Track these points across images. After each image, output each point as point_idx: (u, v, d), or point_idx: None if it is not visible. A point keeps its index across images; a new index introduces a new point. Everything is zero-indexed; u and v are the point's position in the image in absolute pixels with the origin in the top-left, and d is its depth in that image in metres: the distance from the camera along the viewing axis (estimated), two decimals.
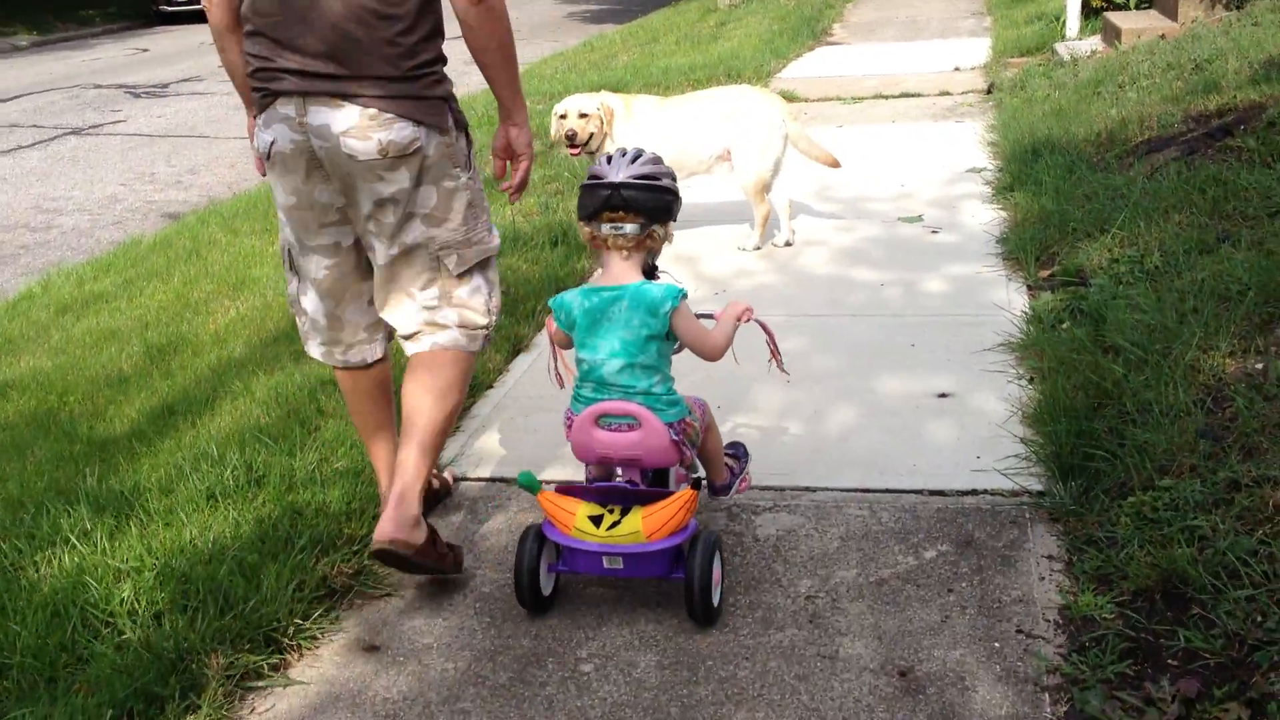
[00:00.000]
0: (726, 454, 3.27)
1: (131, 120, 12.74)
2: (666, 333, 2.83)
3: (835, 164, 5.87)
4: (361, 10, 2.75)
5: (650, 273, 2.93)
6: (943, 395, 4.01)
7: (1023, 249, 5.18)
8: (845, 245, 5.75)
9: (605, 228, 2.84)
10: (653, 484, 3.03)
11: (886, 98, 9.53)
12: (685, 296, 2.86)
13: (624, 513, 2.80)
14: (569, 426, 2.92)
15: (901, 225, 5.97)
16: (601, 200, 2.82)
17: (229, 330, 5.10)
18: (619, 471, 2.96)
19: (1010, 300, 4.77)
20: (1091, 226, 5.08)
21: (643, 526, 2.76)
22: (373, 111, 2.79)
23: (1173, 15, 9.13)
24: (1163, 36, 8.69)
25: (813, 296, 5.10)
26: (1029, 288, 4.90)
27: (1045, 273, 4.98)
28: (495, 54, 2.90)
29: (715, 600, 2.85)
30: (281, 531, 3.16)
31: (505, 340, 4.64)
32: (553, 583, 2.97)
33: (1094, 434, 3.38)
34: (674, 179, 2.92)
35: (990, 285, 4.99)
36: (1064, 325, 4.30)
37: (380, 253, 2.96)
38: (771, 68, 11.14)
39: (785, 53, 12.02)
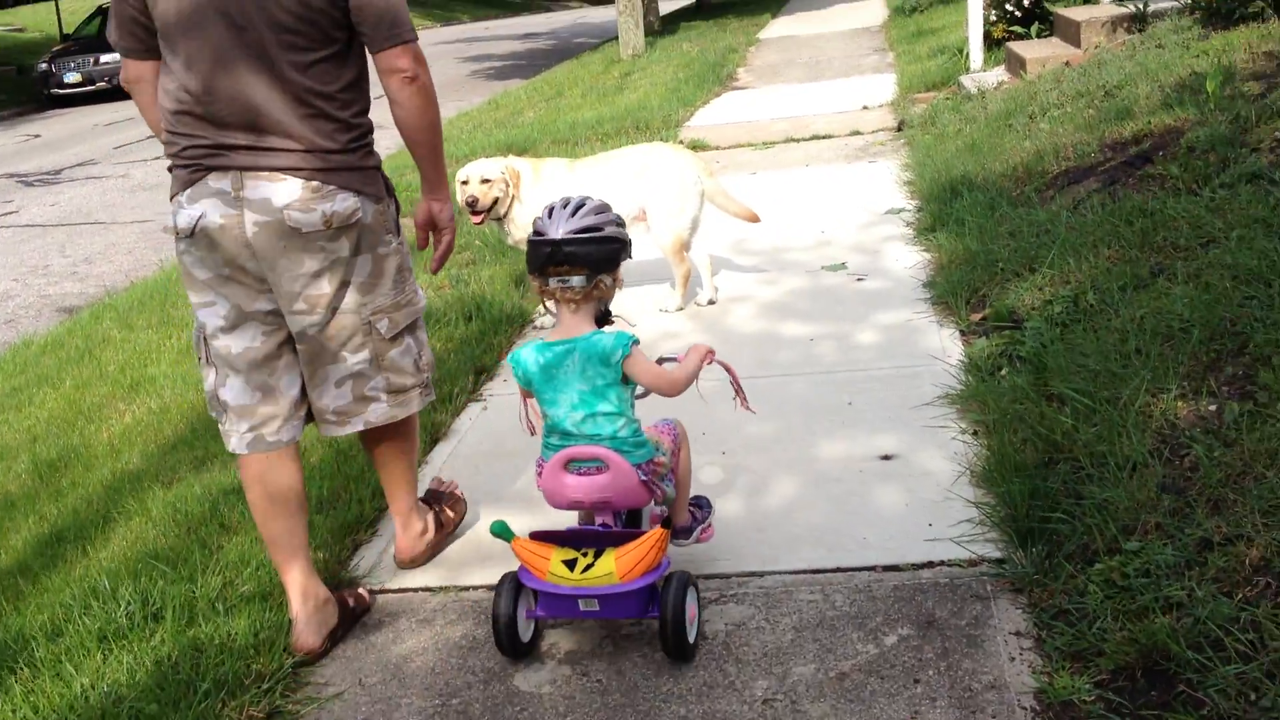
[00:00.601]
0: (690, 505, 3.28)
1: (24, 211, 12.32)
2: (624, 377, 2.87)
3: (754, 219, 5.70)
4: (294, 89, 2.84)
5: (603, 319, 2.94)
6: (886, 457, 3.81)
7: (952, 292, 5.04)
8: (771, 299, 5.57)
9: (552, 282, 2.86)
10: (628, 524, 3.07)
11: (798, 141, 9.44)
12: (637, 343, 2.88)
13: (597, 555, 2.82)
14: (540, 474, 2.96)
15: (826, 274, 5.81)
16: (545, 256, 2.83)
17: (124, 439, 4.78)
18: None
19: (945, 348, 4.61)
20: (1019, 265, 4.95)
21: (616, 568, 2.79)
22: (315, 184, 2.88)
23: (1075, 42, 9.15)
24: (1067, 64, 8.68)
25: (742, 357, 4.88)
26: (962, 333, 4.74)
27: (977, 316, 4.83)
28: (424, 132, 3.03)
29: (691, 637, 2.86)
30: (182, 674, 2.86)
31: (422, 430, 4.36)
32: (531, 629, 2.99)
33: (1049, 493, 3.20)
34: (620, 224, 2.92)
35: (923, 333, 4.83)
36: (1003, 372, 4.14)
37: (311, 325, 3.00)
38: (679, 116, 11.02)
39: (692, 100, 11.92)
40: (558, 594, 2.84)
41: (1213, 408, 3.29)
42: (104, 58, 23.75)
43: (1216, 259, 4.03)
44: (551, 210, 2.87)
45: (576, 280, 2.83)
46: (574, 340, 2.87)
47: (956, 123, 8.30)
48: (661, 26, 21.18)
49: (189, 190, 2.91)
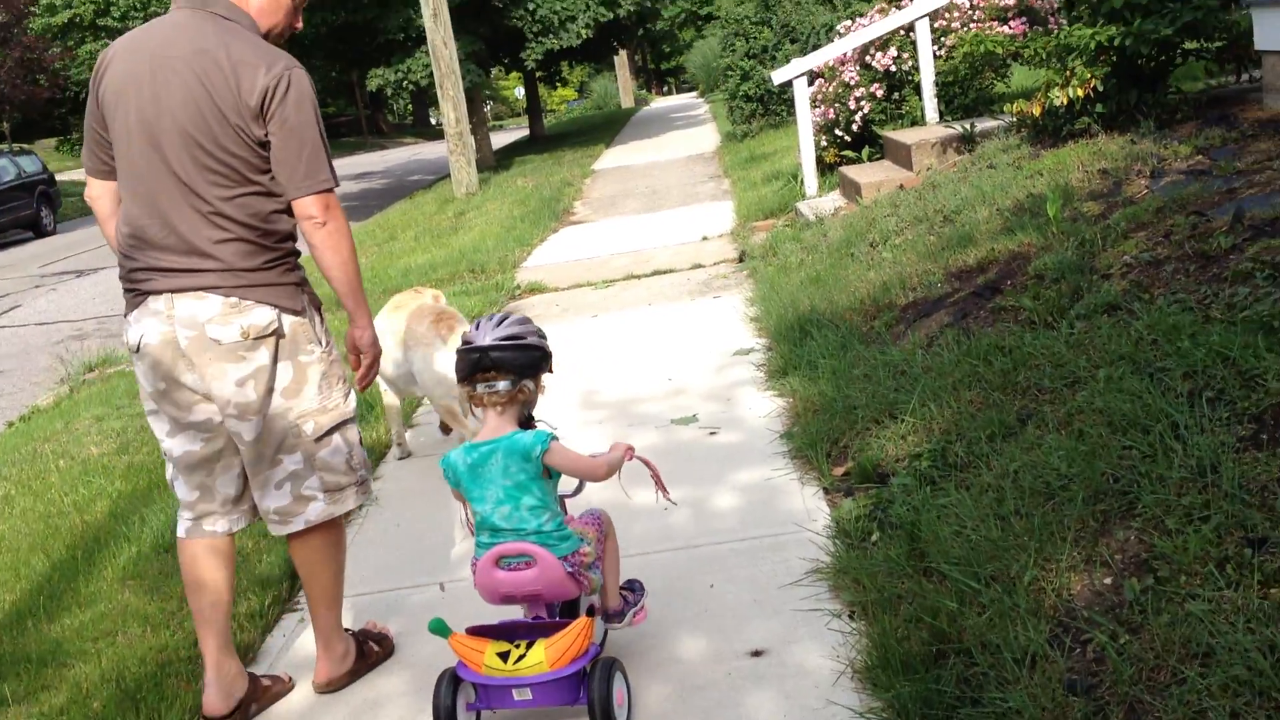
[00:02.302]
0: (622, 589, 3.42)
1: None
2: (546, 472, 3.05)
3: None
4: (217, 219, 3.16)
5: (527, 423, 3.16)
6: (757, 653, 3.40)
7: (810, 444, 4.71)
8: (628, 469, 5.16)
9: (479, 387, 3.08)
10: (564, 616, 3.23)
11: (639, 277, 9.17)
12: (556, 438, 3.08)
13: (529, 646, 3.01)
14: (474, 572, 3.12)
15: (677, 428, 5.45)
16: (473, 363, 3.06)
17: None
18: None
19: (809, 510, 4.26)
20: (878, 412, 4.66)
21: (545, 656, 2.97)
22: (233, 300, 3.19)
23: (907, 165, 9.15)
24: (901, 187, 8.65)
25: None
26: (826, 491, 4.41)
27: (840, 470, 4.51)
28: (339, 269, 3.26)
29: (621, 718, 3.04)
30: None
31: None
32: None
33: (944, 698, 2.82)
34: (541, 336, 3.16)
35: (783, 493, 4.47)
36: (874, 539, 3.80)
37: (246, 431, 3.28)
38: (516, 257, 10.71)
39: (529, 239, 11.64)
40: (493, 685, 3.00)
41: (1108, 581, 2.97)
42: None
43: (1086, 402, 3.78)
44: (479, 323, 3.11)
45: (502, 385, 3.06)
46: (498, 440, 3.06)
47: (798, 252, 8.13)
48: (496, 161, 21.08)
49: (134, 312, 3.27)
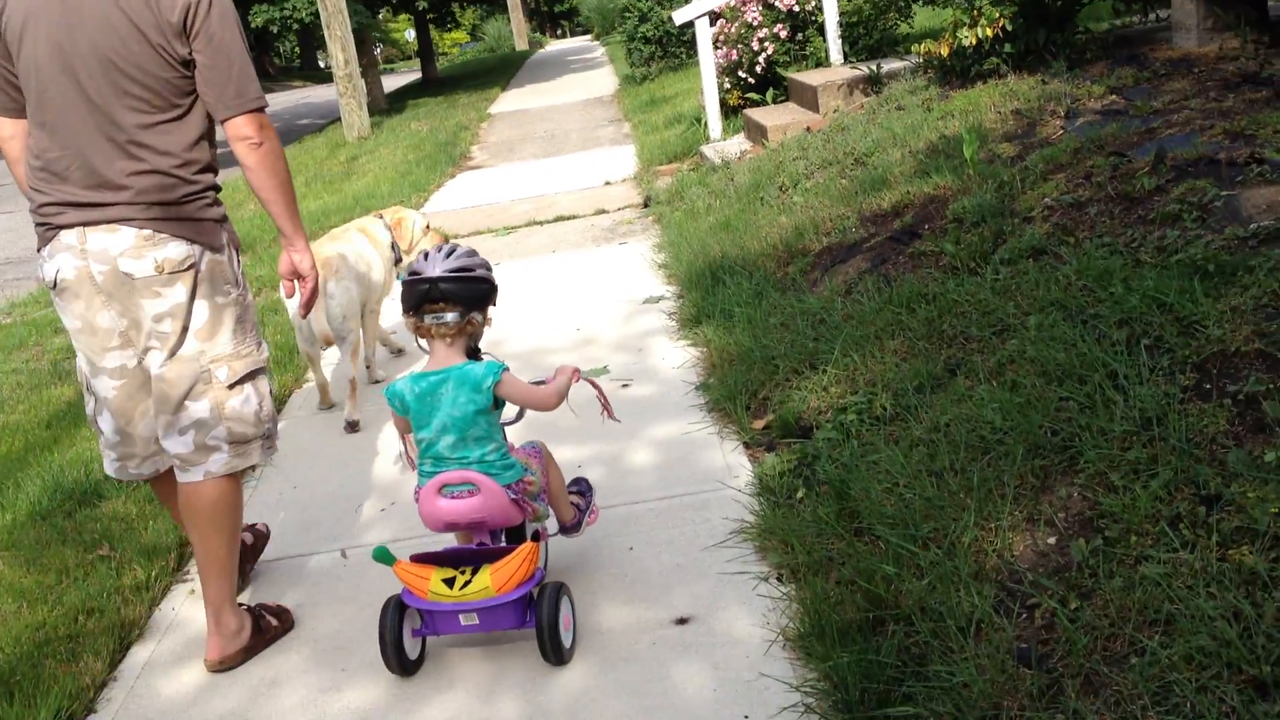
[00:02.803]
0: (571, 491, 3.50)
1: None
2: (494, 404, 3.04)
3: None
4: (134, 149, 3.03)
5: (474, 354, 3.13)
6: (682, 620, 3.22)
7: (729, 397, 4.53)
8: (532, 417, 4.92)
9: (427, 318, 3.04)
10: (509, 540, 3.24)
11: (541, 223, 8.88)
12: (507, 369, 3.06)
13: (474, 572, 3.01)
14: (418, 500, 3.10)
15: (581, 389, 5.20)
16: (421, 294, 3.02)
17: None
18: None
19: (730, 466, 4.08)
20: (798, 362, 4.49)
21: (491, 581, 2.97)
22: (147, 233, 3.06)
23: (813, 107, 8.97)
24: (809, 129, 8.47)
25: None
26: (746, 446, 4.23)
27: (760, 423, 4.33)
28: (274, 191, 3.17)
29: (567, 642, 3.08)
30: None
31: (118, 626, 3.51)
32: (419, 647, 3.18)
33: (884, 670, 2.66)
34: (488, 269, 3.12)
35: (702, 448, 4.29)
36: (799, 497, 3.63)
37: (155, 365, 3.16)
38: (412, 204, 10.32)
39: (425, 184, 11.26)
40: (439, 610, 3.01)
41: (1053, 541, 2.84)
42: None
43: (1017, 351, 3.64)
44: (427, 254, 3.06)
45: (450, 316, 3.03)
46: (447, 370, 3.04)
47: (705, 197, 7.92)
48: (389, 105, 20.48)
49: (47, 247, 3.13)
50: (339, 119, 17.38)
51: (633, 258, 7.27)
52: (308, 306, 3.44)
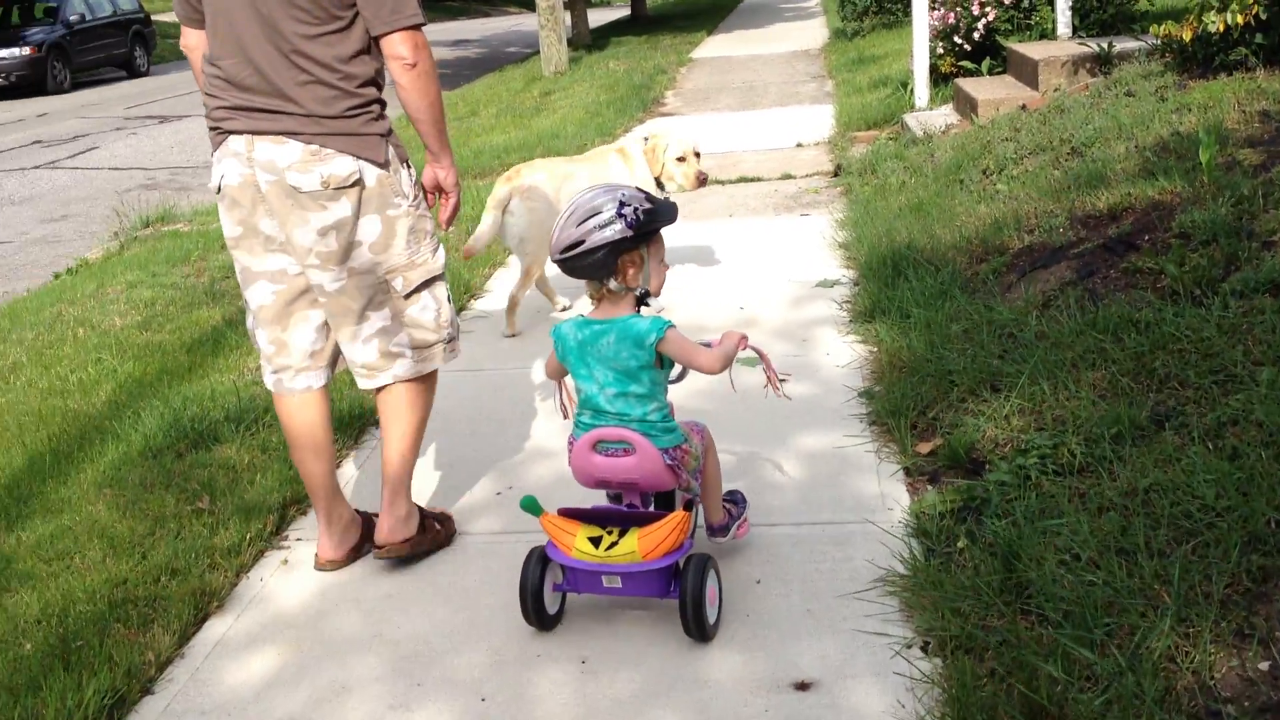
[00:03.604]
0: (725, 500, 3.30)
1: None
2: (658, 361, 2.91)
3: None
4: (299, 59, 3.03)
5: (643, 300, 2.99)
6: (803, 686, 2.77)
7: (893, 412, 4.02)
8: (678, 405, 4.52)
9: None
10: (658, 505, 3.12)
11: (722, 183, 8.38)
12: (672, 326, 2.91)
13: (622, 534, 2.90)
14: (571, 452, 3.01)
15: (744, 370, 4.74)
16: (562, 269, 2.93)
17: None
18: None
19: (884, 495, 3.59)
20: (978, 381, 3.95)
21: (639, 546, 2.86)
22: (314, 148, 3.07)
23: (1031, 83, 8.23)
24: (1024, 107, 7.76)
25: None
26: (906, 473, 3.73)
27: (926, 447, 3.82)
28: (424, 110, 3.15)
29: (711, 618, 2.93)
30: None
31: (192, 596, 3.25)
32: (559, 602, 3.10)
33: None
34: (606, 223, 2.83)
35: (856, 468, 3.80)
36: (960, 548, 3.13)
37: (328, 281, 3.19)
38: (595, 147, 9.97)
39: (611, 128, 10.87)
40: (582, 569, 2.91)
41: (1264, 666, 2.29)
42: (0, 52, 22.19)
43: (1242, 410, 3.05)
44: (560, 218, 2.90)
45: (591, 284, 2.95)
46: (611, 321, 2.93)
47: (900, 172, 7.32)
48: (591, 40, 20.18)
49: (217, 151, 3.17)
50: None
51: (812, 233, 6.74)
52: (449, 221, 3.45)
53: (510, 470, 4.07)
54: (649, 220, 2.88)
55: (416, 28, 3.07)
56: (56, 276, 8.06)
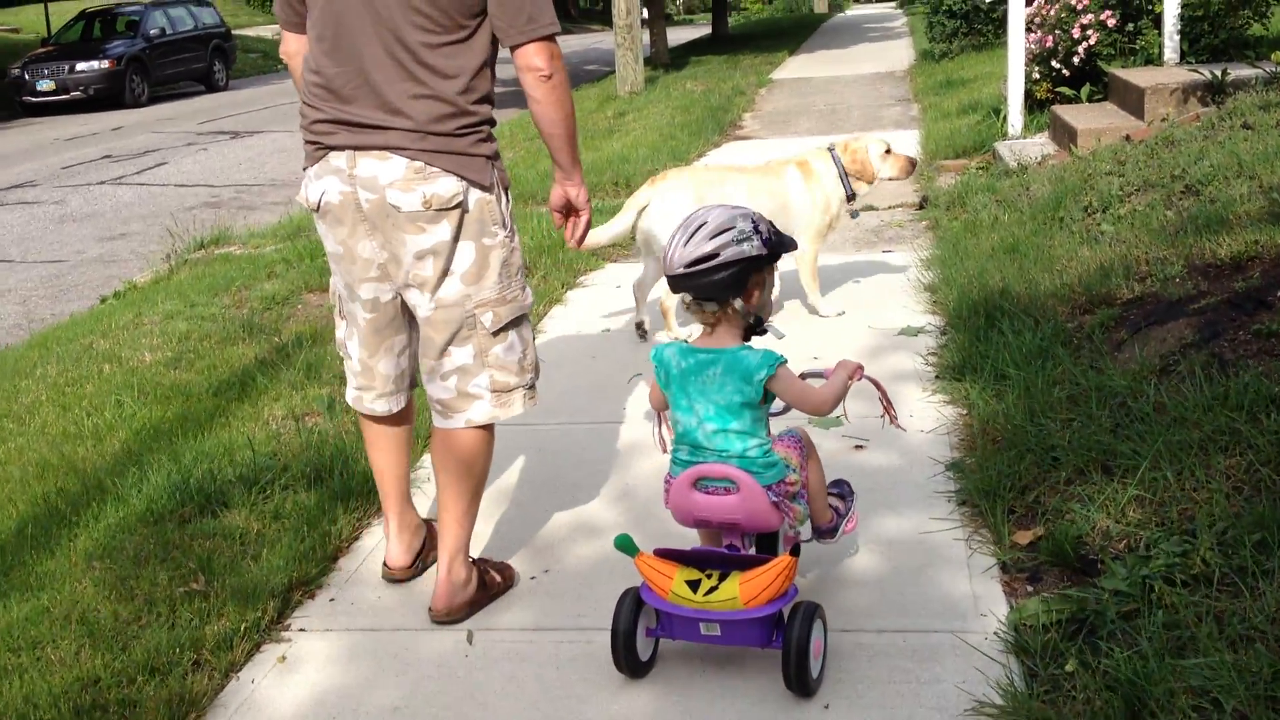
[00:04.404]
0: (831, 493, 3.15)
1: None
2: (763, 398, 2.76)
3: None
4: (418, 70, 2.88)
5: (753, 329, 2.84)
6: None
7: (987, 492, 3.51)
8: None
9: (691, 304, 2.81)
10: (759, 549, 2.96)
11: None
12: (784, 362, 2.76)
13: (722, 578, 2.72)
14: (667, 490, 2.88)
15: (815, 430, 4.27)
16: (672, 285, 2.79)
17: None
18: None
19: (977, 597, 3.09)
20: (1086, 460, 3.43)
21: (740, 593, 2.67)
22: (418, 165, 2.92)
23: (1137, 112, 7.65)
24: (1128, 138, 7.19)
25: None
26: (1003, 568, 3.21)
27: (1025, 537, 3.30)
28: (558, 125, 3.01)
29: (814, 671, 2.73)
30: None
31: (171, 702, 2.82)
32: (652, 648, 2.90)
33: None
34: (743, 239, 2.70)
35: (944, 560, 3.30)
36: (1069, 671, 2.62)
37: (422, 306, 3.05)
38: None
39: (685, 152, 10.42)
40: (679, 615, 2.74)
41: None
42: (80, 65, 22.34)
43: None
44: (674, 237, 2.76)
45: (709, 306, 2.78)
46: (719, 352, 2.78)
47: (992, 207, 6.78)
48: (670, 59, 19.78)
49: (315, 167, 3.02)
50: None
51: (895, 272, 6.23)
52: (580, 240, 3.30)
53: (549, 549, 3.61)
54: (778, 242, 2.79)
55: (552, 38, 2.91)
56: (103, 300, 7.79)
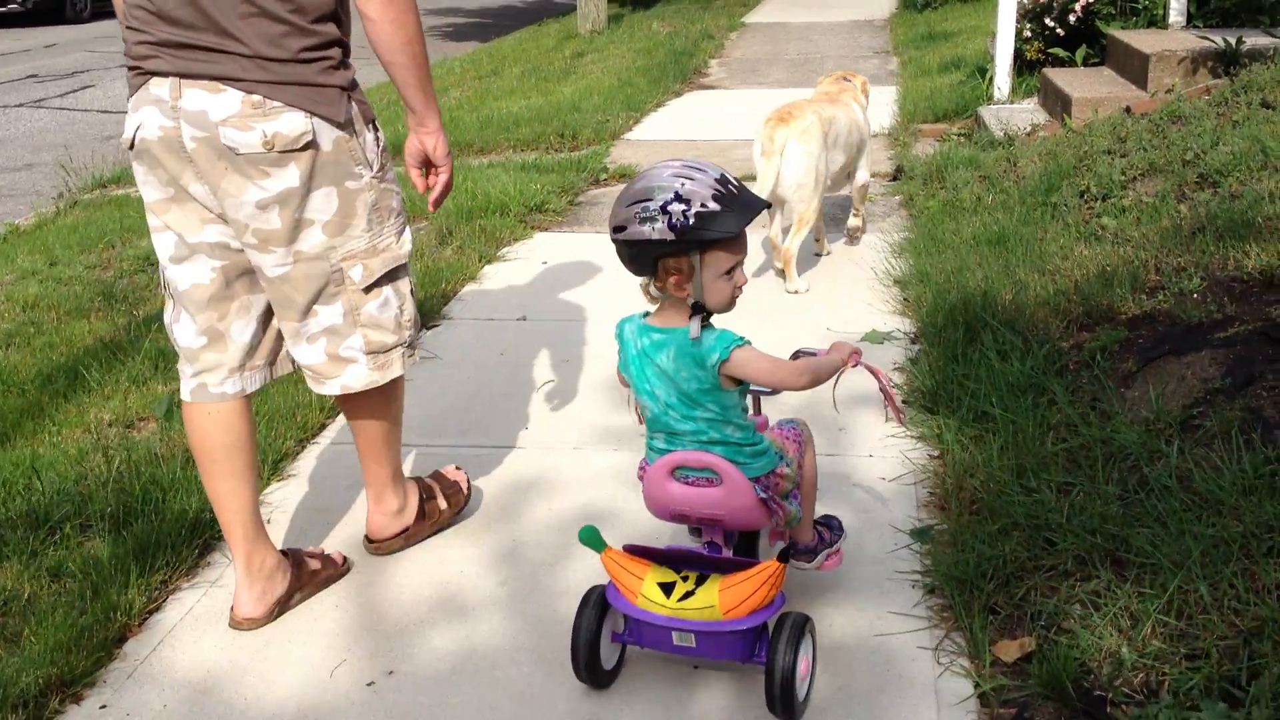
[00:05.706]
0: (818, 523, 2.80)
1: None
2: (730, 382, 2.41)
3: None
4: None
5: (698, 308, 2.38)
6: None
7: (959, 585, 2.75)
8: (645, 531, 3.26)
9: None
10: (740, 545, 2.71)
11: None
12: (743, 344, 2.38)
13: (700, 581, 2.44)
14: (642, 478, 2.58)
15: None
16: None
17: None
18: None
19: None
20: (1090, 546, 2.68)
21: (719, 601, 2.39)
22: (256, 99, 2.50)
23: (1138, 80, 6.85)
24: (1129, 110, 6.40)
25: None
26: (981, 701, 2.46)
27: (1010, 650, 2.56)
28: (398, 52, 2.60)
29: (801, 694, 2.43)
30: None
31: None
32: (616, 655, 2.61)
33: None
34: (652, 216, 2.26)
35: (903, 685, 2.54)
36: None
37: (269, 265, 2.63)
38: (617, 126, 8.63)
39: (641, 102, 9.52)
40: (649, 621, 2.43)
41: None
42: None
43: None
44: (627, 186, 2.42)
45: (639, 278, 2.44)
46: (671, 332, 2.41)
47: (975, 184, 5.98)
48: None
49: (133, 97, 2.59)
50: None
51: (862, 260, 5.43)
52: (438, 202, 2.87)
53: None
54: (700, 227, 2.26)
55: None
56: None
